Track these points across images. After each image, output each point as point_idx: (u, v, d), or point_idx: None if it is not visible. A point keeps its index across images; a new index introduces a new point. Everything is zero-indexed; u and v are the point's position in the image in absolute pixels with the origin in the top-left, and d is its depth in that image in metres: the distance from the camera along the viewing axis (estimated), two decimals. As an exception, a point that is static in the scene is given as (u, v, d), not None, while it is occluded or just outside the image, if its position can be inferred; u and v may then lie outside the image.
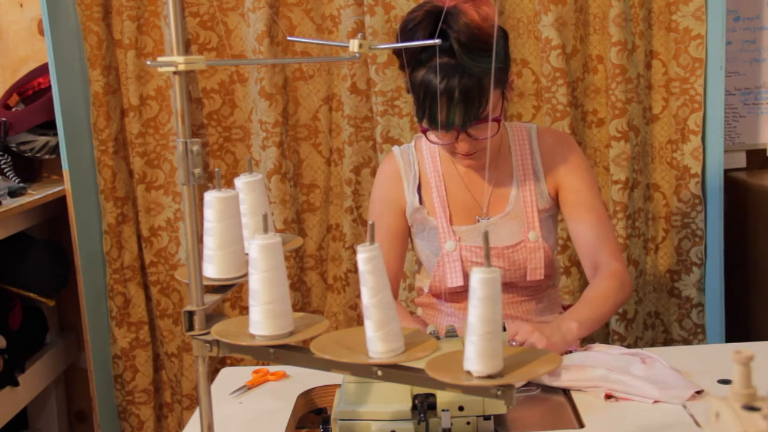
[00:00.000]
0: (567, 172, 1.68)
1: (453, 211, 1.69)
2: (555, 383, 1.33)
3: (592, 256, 1.66)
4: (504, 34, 1.58)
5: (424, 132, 1.58)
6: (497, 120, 1.56)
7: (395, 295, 1.73)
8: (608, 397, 1.29)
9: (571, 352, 1.44)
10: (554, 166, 1.69)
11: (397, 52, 1.56)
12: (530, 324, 1.44)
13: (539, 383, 1.35)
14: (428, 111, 1.50)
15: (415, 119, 2.31)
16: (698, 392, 1.26)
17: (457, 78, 1.46)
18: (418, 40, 1.48)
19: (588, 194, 1.68)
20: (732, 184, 2.44)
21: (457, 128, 1.52)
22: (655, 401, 1.26)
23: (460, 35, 1.46)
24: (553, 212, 1.72)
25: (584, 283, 2.35)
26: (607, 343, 2.39)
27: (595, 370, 1.32)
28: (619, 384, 1.29)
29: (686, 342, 2.39)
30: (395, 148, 1.76)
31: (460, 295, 1.71)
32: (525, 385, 1.36)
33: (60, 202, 2.41)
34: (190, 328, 1.03)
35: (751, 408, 0.75)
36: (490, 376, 0.89)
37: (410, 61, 1.51)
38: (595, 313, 1.53)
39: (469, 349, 0.89)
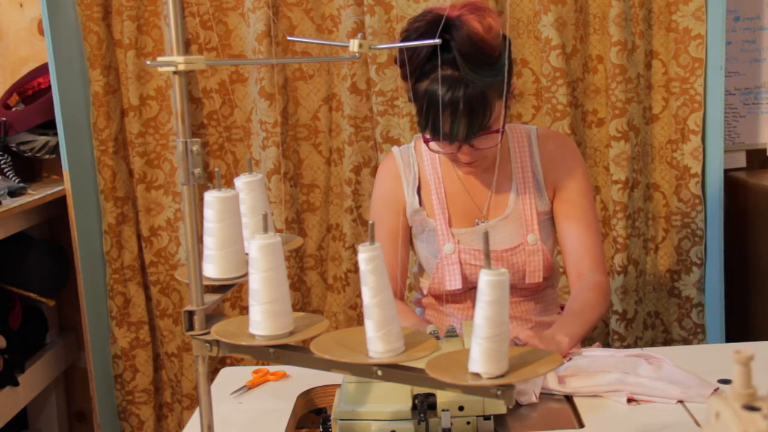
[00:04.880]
0: (565, 177, 1.68)
1: (452, 213, 1.69)
2: (567, 391, 1.31)
3: (576, 264, 1.67)
4: (507, 44, 1.57)
5: (426, 142, 1.57)
6: (500, 131, 1.55)
7: (402, 296, 1.73)
8: (630, 400, 1.28)
9: (571, 358, 1.43)
10: (554, 170, 1.69)
11: (399, 62, 1.55)
12: (531, 330, 1.44)
13: (552, 392, 1.33)
14: (431, 122, 1.50)
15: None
16: (715, 390, 1.26)
17: (462, 90, 1.45)
18: (421, 51, 1.47)
19: (582, 201, 1.68)
20: (732, 184, 2.44)
21: (460, 140, 1.51)
22: (678, 401, 1.26)
23: (463, 47, 1.45)
24: (552, 215, 1.72)
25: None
26: (607, 342, 2.39)
27: (609, 375, 1.31)
28: (638, 387, 1.28)
29: (686, 342, 2.39)
30: (395, 149, 1.76)
31: (460, 296, 1.71)
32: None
33: (60, 202, 2.41)
34: (190, 328, 1.03)
35: (751, 408, 0.75)
36: (494, 378, 0.89)
37: (413, 71, 1.50)
38: (582, 328, 1.53)
39: (474, 350, 0.89)
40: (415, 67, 1.49)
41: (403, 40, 1.51)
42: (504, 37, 1.51)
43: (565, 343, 1.45)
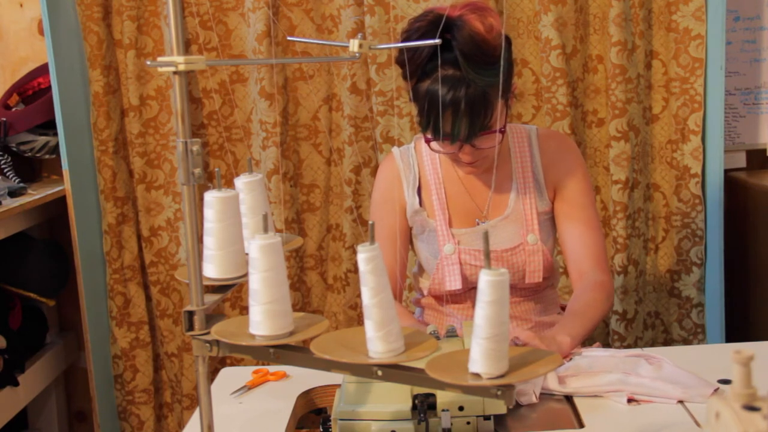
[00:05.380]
0: (565, 177, 1.68)
1: (452, 213, 1.69)
2: (567, 391, 1.31)
3: (578, 263, 1.66)
4: (508, 43, 1.57)
5: (428, 142, 1.57)
6: (501, 131, 1.55)
7: (400, 297, 1.73)
8: (630, 400, 1.27)
9: (571, 358, 1.43)
10: (554, 170, 1.69)
11: (400, 62, 1.54)
12: (531, 331, 1.44)
13: (552, 392, 1.33)
14: (433, 122, 1.50)
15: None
16: (715, 390, 1.26)
17: (463, 90, 1.45)
18: (422, 51, 1.47)
19: (583, 201, 1.68)
20: (732, 184, 2.44)
21: (461, 140, 1.51)
22: (679, 401, 1.25)
23: (464, 47, 1.45)
24: (552, 215, 1.72)
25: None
26: (607, 342, 2.39)
27: (610, 375, 1.31)
28: (639, 387, 1.28)
29: (686, 342, 2.39)
30: (395, 149, 1.76)
31: (460, 296, 1.71)
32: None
33: (60, 202, 2.41)
34: (190, 328, 1.03)
35: (751, 408, 0.75)
36: (494, 378, 0.89)
37: (415, 71, 1.50)
38: (584, 327, 1.53)
39: (475, 351, 0.89)
40: (416, 67, 1.49)
41: (403, 41, 1.51)
42: (506, 37, 1.52)
43: (567, 343, 1.45)
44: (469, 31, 1.45)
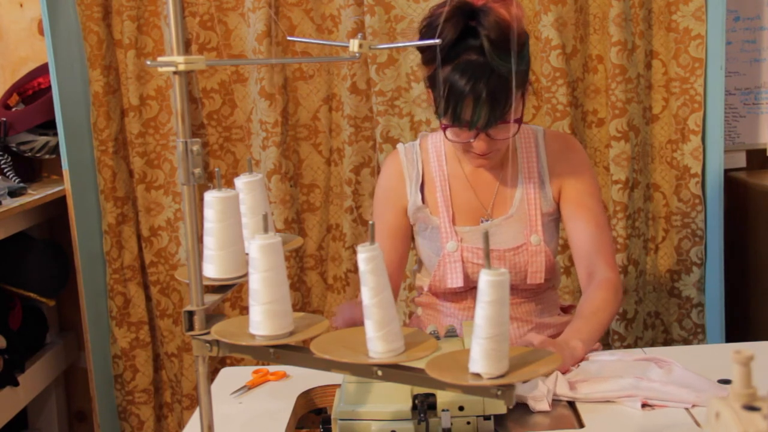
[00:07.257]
0: (571, 177, 1.68)
1: (456, 211, 1.69)
2: (579, 396, 1.30)
3: (587, 262, 1.66)
4: (526, 36, 1.58)
5: (444, 129, 1.57)
6: (519, 121, 1.55)
7: (395, 294, 1.73)
8: (644, 405, 1.26)
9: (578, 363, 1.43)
10: (560, 171, 1.69)
11: (422, 47, 1.56)
12: (542, 336, 1.44)
13: (559, 398, 1.31)
14: (452, 109, 1.50)
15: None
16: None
17: (486, 78, 1.46)
18: (446, 36, 1.47)
19: (589, 200, 1.67)
20: (732, 184, 2.44)
21: (479, 128, 1.51)
22: (693, 405, 1.25)
23: (491, 33, 1.46)
24: (557, 216, 1.72)
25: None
26: (607, 342, 2.39)
27: (622, 380, 1.30)
28: (652, 392, 1.27)
29: (686, 342, 2.39)
30: (399, 146, 1.75)
31: (460, 294, 1.71)
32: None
33: (60, 202, 2.41)
34: (190, 328, 1.03)
35: (751, 408, 0.75)
36: (494, 378, 0.89)
37: (436, 56, 1.51)
38: (595, 329, 1.53)
39: (475, 350, 0.89)
40: (439, 51, 1.49)
41: (426, 26, 1.52)
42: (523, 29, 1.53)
43: (580, 349, 1.44)
44: (495, 17, 1.46)
